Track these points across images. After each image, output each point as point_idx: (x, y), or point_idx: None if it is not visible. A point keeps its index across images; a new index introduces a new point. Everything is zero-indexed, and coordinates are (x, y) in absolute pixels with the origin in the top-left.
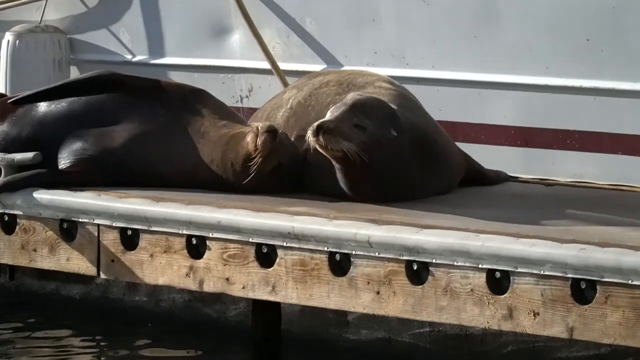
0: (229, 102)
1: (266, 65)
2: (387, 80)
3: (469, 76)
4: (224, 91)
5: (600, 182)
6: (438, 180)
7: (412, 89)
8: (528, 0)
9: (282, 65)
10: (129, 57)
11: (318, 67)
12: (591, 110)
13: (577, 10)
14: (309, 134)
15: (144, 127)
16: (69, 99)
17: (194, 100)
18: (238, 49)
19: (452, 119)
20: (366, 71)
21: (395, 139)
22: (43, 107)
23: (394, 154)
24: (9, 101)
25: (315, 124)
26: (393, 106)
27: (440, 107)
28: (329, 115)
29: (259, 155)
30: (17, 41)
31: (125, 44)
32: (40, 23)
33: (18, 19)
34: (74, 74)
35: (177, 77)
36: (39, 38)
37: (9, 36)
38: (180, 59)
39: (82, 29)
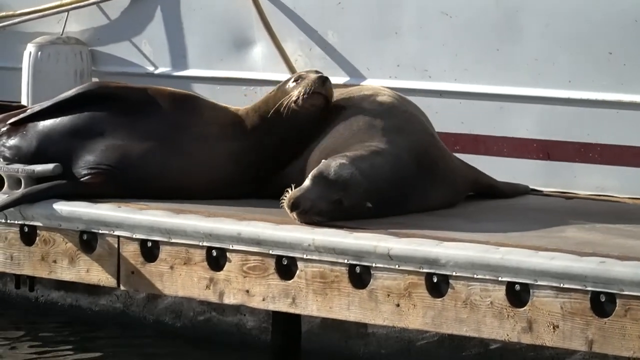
0: None
1: (288, 77)
2: (383, 94)
3: (491, 89)
4: (245, 103)
5: (621, 196)
6: (440, 192)
7: (434, 101)
8: (550, 13)
9: None
10: (150, 69)
11: (340, 79)
12: (613, 123)
13: (599, 23)
14: (285, 205)
15: (157, 138)
16: (71, 113)
17: (186, 105)
18: (260, 62)
19: (475, 132)
20: (364, 86)
21: (370, 209)
22: (49, 121)
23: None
24: (9, 122)
25: (292, 198)
26: (381, 167)
27: (462, 120)
28: (307, 184)
29: (310, 91)
30: (39, 52)
31: (146, 55)
32: (61, 35)
33: (40, 30)
34: None
35: (198, 89)
36: (60, 50)
37: (30, 47)
38: (202, 71)
39: (103, 41)
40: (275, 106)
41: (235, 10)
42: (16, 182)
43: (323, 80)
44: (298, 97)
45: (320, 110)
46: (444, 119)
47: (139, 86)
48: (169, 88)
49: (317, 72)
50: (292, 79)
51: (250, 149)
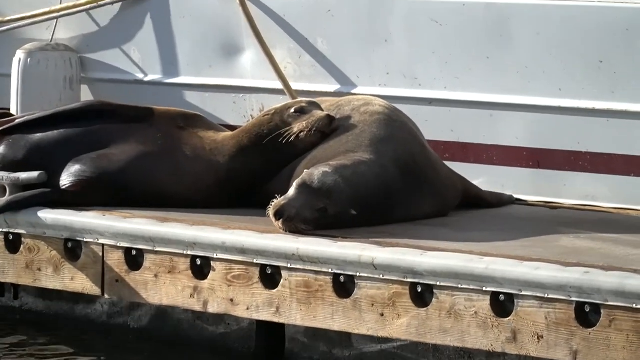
0: (239, 121)
1: (277, 85)
2: (374, 104)
3: (481, 97)
4: (234, 111)
5: (610, 205)
6: (428, 201)
7: (424, 109)
8: (541, 21)
9: (294, 85)
10: (139, 76)
11: (330, 87)
12: (604, 132)
13: (590, 31)
14: (270, 214)
15: (142, 148)
16: (64, 125)
17: (186, 123)
18: (249, 69)
19: (464, 140)
20: (356, 96)
21: (354, 217)
22: (40, 131)
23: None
24: None
25: (277, 206)
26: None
27: (452, 128)
28: (292, 193)
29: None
30: (28, 59)
31: (136, 62)
32: (51, 41)
33: (29, 37)
34: (85, 92)
35: (188, 97)
36: (49, 56)
37: (20, 54)
38: (191, 78)
39: (93, 48)
40: (270, 133)
41: (225, 17)
42: (1, 190)
43: (331, 121)
44: (301, 132)
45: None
46: (434, 127)
47: (144, 106)
48: (176, 108)
49: (316, 104)
50: (293, 109)
51: (238, 169)
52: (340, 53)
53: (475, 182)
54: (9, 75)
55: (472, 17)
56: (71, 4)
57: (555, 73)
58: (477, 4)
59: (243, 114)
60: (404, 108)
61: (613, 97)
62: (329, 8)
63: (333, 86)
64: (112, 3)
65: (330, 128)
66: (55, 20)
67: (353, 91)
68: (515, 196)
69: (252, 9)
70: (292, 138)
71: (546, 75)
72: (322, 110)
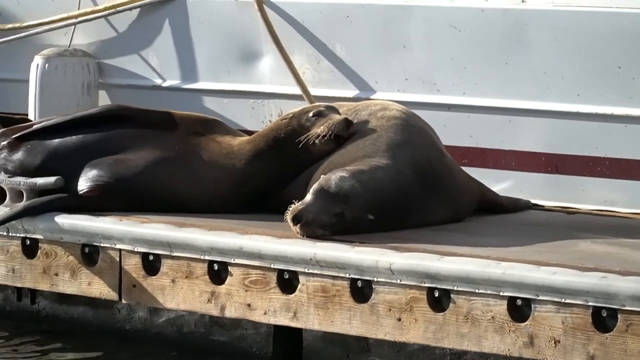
0: (257, 127)
1: (296, 90)
2: (392, 109)
3: (500, 103)
4: (253, 116)
5: (627, 210)
6: (445, 206)
7: (442, 115)
8: (559, 27)
9: (312, 91)
10: (158, 81)
11: (348, 92)
12: (622, 137)
13: (608, 37)
14: (287, 219)
15: (160, 153)
16: (83, 131)
17: (204, 128)
18: (268, 74)
19: (483, 146)
20: (373, 101)
21: (371, 222)
22: (58, 136)
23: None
24: (14, 137)
25: (294, 211)
26: (379, 180)
27: (470, 134)
28: (309, 198)
29: (330, 135)
30: (46, 64)
31: (154, 68)
32: (69, 47)
33: (47, 42)
34: (102, 97)
35: (206, 102)
36: (67, 62)
37: (38, 60)
38: (209, 84)
39: (110, 53)
40: (288, 137)
41: (243, 23)
42: (18, 195)
43: (348, 125)
44: (319, 136)
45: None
46: (452, 133)
47: (162, 110)
48: (195, 113)
49: (333, 108)
50: (311, 113)
51: (254, 173)
52: (359, 59)
53: (493, 188)
54: (27, 81)
55: (491, 23)
56: (89, 9)
57: (573, 79)
58: (495, 10)
59: (261, 119)
60: (422, 114)
61: (631, 102)
62: (347, 14)
63: (351, 92)
64: (130, 9)
65: (348, 132)
66: (73, 26)
67: (371, 97)
68: (533, 201)
69: (271, 14)
70: (311, 142)
71: (564, 81)
72: (339, 114)
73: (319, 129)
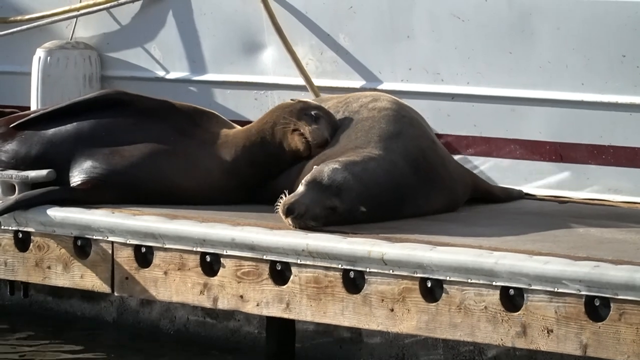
0: None
1: (299, 81)
2: (382, 100)
3: (504, 92)
4: (256, 107)
5: (631, 198)
6: (438, 197)
7: (446, 105)
8: (563, 16)
9: (316, 82)
10: (160, 73)
11: (352, 83)
12: (626, 125)
13: (612, 26)
14: (280, 211)
15: (154, 144)
16: (77, 119)
17: (200, 120)
18: (271, 65)
19: (487, 135)
20: (363, 92)
21: (364, 213)
22: (53, 125)
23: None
24: (11, 126)
25: (287, 203)
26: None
27: (475, 123)
28: (301, 190)
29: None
30: (48, 57)
31: (157, 60)
32: (71, 39)
33: (49, 35)
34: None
35: (209, 94)
36: (69, 54)
37: (40, 52)
38: (212, 75)
39: (113, 46)
40: (279, 132)
41: (246, 14)
42: (10, 188)
43: (325, 144)
44: (302, 135)
45: None
46: (456, 122)
47: (159, 98)
48: (193, 105)
49: (327, 120)
50: (313, 112)
51: (243, 161)
52: (362, 49)
53: (497, 177)
54: (29, 74)
55: (495, 12)
56: (91, 2)
57: (577, 67)
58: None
59: (265, 110)
60: (426, 103)
61: (636, 91)
62: (350, 4)
63: (355, 82)
64: (132, 1)
65: (317, 148)
66: (75, 19)
67: (376, 87)
68: (538, 190)
69: (274, 5)
70: (291, 133)
71: (569, 70)
72: (331, 127)
73: (307, 129)
